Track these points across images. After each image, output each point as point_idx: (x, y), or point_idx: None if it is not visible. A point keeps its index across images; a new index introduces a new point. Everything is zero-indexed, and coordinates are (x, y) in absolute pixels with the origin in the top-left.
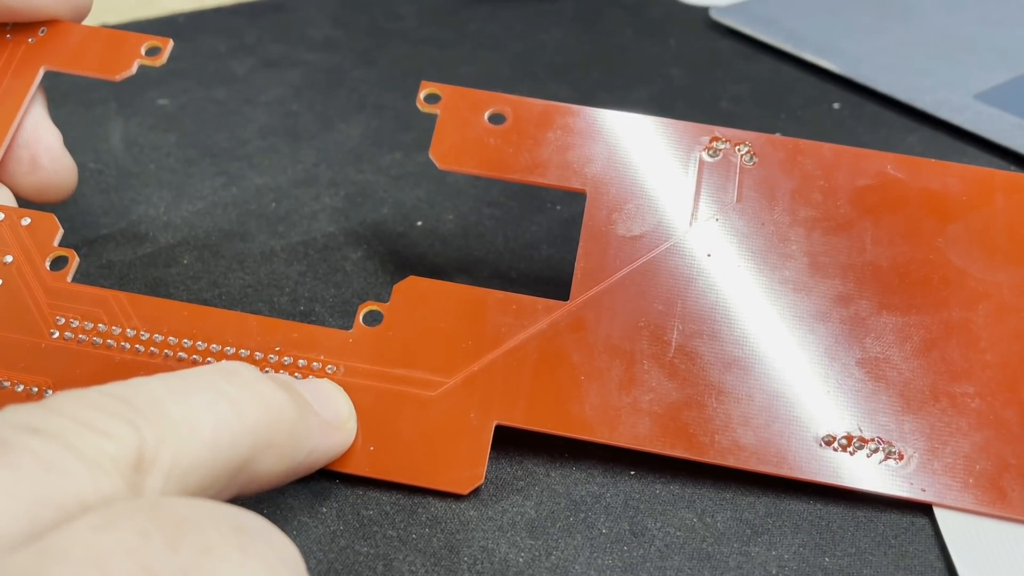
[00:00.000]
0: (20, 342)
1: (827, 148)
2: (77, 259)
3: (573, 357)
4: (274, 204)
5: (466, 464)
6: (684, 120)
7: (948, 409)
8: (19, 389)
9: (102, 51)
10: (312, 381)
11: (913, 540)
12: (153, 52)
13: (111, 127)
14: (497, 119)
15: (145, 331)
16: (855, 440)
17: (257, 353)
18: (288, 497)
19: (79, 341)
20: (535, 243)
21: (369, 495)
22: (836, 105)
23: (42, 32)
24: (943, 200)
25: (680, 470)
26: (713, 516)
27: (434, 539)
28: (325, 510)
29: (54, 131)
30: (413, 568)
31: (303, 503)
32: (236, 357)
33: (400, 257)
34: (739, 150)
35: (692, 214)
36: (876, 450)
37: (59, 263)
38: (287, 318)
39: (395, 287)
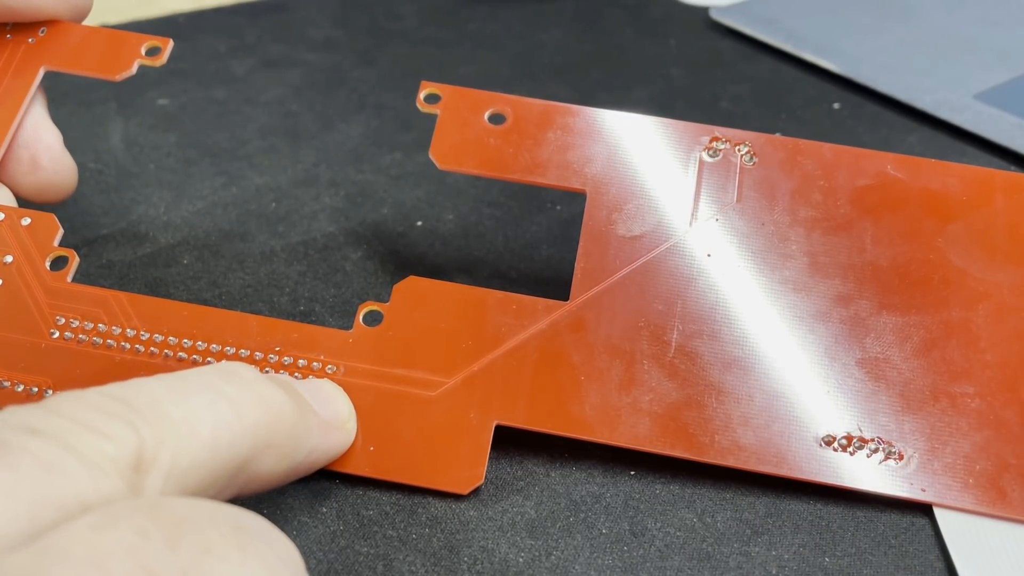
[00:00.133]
0: (20, 342)
1: (827, 148)
2: (77, 259)
3: (573, 357)
4: (274, 204)
5: (466, 464)
6: (684, 120)
7: (948, 409)
8: (19, 389)
9: (102, 51)
10: (312, 381)
11: (913, 540)
12: (153, 52)
13: (111, 127)
14: (497, 119)
15: (145, 331)
16: (855, 440)
17: (257, 353)
18: (288, 497)
19: (79, 341)
20: (535, 243)
21: (369, 495)
22: (836, 105)
23: (42, 32)
24: (943, 200)
25: (680, 470)
26: (713, 516)
27: (434, 539)
28: (325, 510)
29: (54, 131)
30: (413, 568)
31: (303, 503)
32: (236, 357)
33: (400, 257)
34: (739, 150)
35: (692, 214)
36: (876, 450)
37: (59, 263)
38: (287, 318)
39: (395, 287)
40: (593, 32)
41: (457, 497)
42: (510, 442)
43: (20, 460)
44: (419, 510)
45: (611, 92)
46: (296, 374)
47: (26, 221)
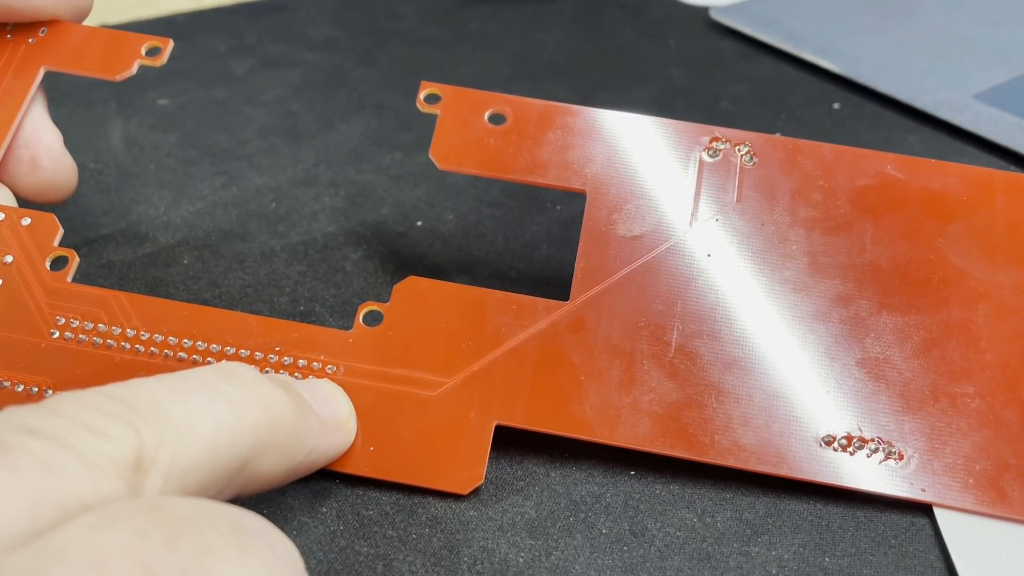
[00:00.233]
0: (20, 342)
1: (827, 148)
2: (77, 259)
3: (573, 357)
4: (274, 204)
5: (466, 464)
6: (684, 120)
7: (948, 409)
8: (19, 389)
9: (102, 51)
10: (312, 381)
11: (913, 540)
12: (153, 52)
13: (111, 127)
14: (497, 119)
15: (145, 331)
16: (855, 440)
17: (257, 353)
18: (288, 497)
19: (79, 341)
20: (535, 243)
21: (369, 495)
22: (836, 105)
23: (42, 32)
24: (943, 200)
25: (680, 470)
26: (713, 516)
27: (434, 539)
28: (325, 510)
29: (54, 131)
30: (413, 568)
31: (303, 503)
32: (236, 357)
33: (400, 257)
34: (739, 150)
35: (692, 214)
36: (876, 450)
37: (59, 263)
38: (287, 318)
39: (395, 287)
40: (593, 32)
41: (457, 497)
42: (510, 442)
43: (20, 460)
44: (419, 510)
45: (611, 92)
46: (296, 374)
47: (26, 221)
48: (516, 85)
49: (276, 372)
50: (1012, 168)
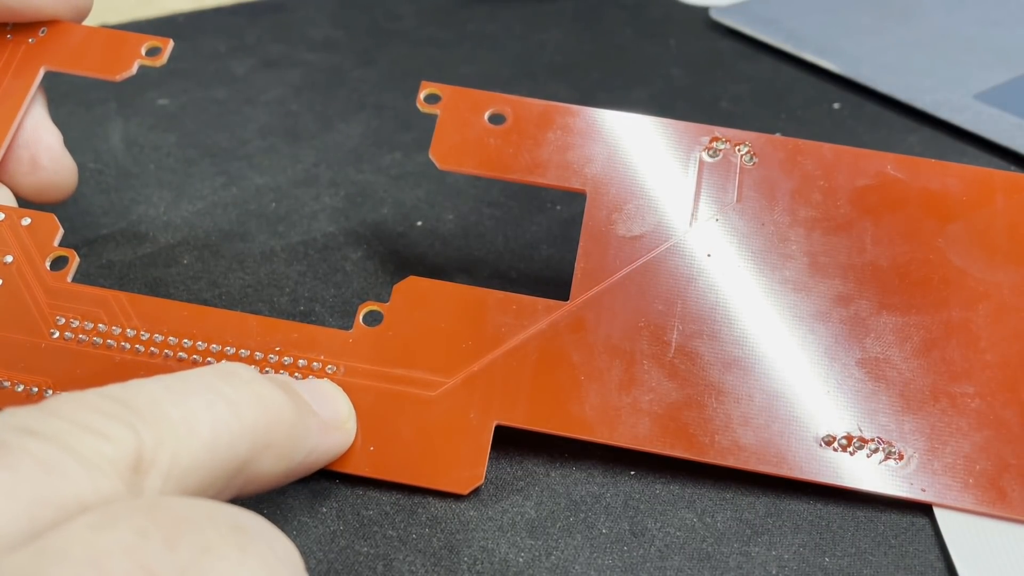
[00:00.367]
0: (20, 342)
1: (827, 148)
2: (77, 259)
3: (573, 357)
4: (274, 204)
5: (466, 464)
6: (684, 120)
7: (948, 409)
8: (19, 389)
9: (102, 51)
10: (311, 381)
11: (913, 540)
12: (153, 52)
13: (111, 127)
14: (497, 119)
15: (145, 331)
16: (855, 440)
17: (257, 353)
18: (288, 497)
19: (79, 341)
20: (535, 243)
21: (369, 495)
22: (836, 105)
23: (42, 32)
24: (943, 200)
25: (680, 470)
26: (713, 516)
27: (434, 539)
28: (325, 510)
29: (54, 131)
30: (413, 568)
31: (303, 503)
32: (236, 357)
33: (400, 257)
34: (739, 150)
35: (692, 214)
36: (876, 450)
37: (59, 263)
38: (287, 318)
39: (395, 287)
40: (593, 32)
41: (457, 497)
42: (510, 442)
43: (20, 461)
44: (419, 510)
45: (611, 92)
46: (296, 374)
47: (26, 221)
48: (516, 85)
49: (276, 372)
50: (1012, 168)
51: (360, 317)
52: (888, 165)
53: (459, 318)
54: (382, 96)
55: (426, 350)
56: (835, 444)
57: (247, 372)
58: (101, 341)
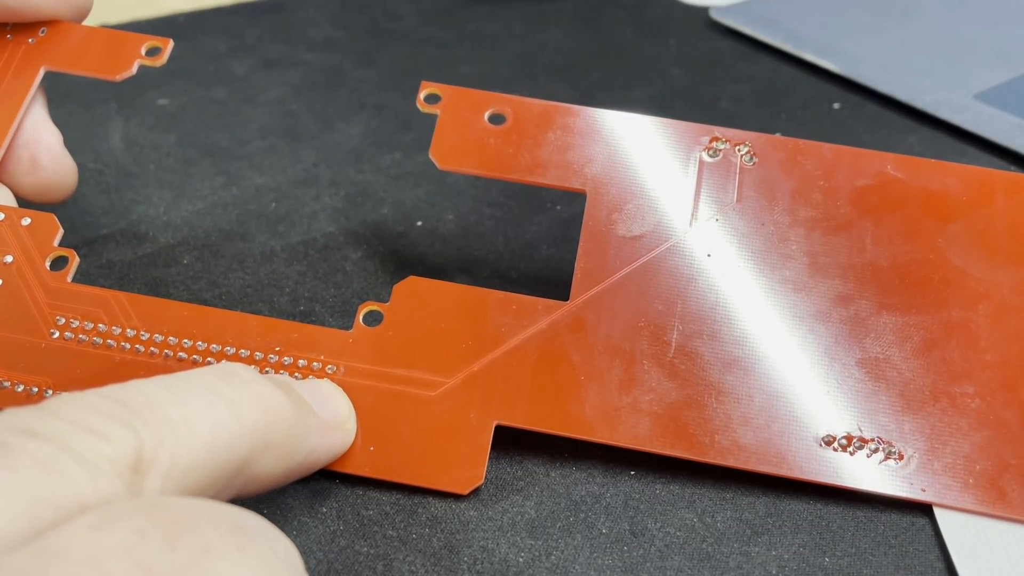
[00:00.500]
0: (20, 342)
1: (827, 148)
2: (77, 259)
3: (573, 357)
4: (274, 204)
5: (466, 464)
6: (684, 120)
7: (948, 409)
8: (19, 389)
9: (102, 51)
10: (311, 381)
11: (913, 540)
12: (153, 52)
13: (111, 127)
14: (497, 119)
15: (145, 331)
16: (855, 440)
17: (257, 353)
18: (288, 497)
19: (79, 341)
20: (535, 243)
21: (369, 495)
22: (836, 105)
23: (42, 32)
24: (943, 200)
25: (680, 470)
26: (713, 516)
27: (434, 539)
28: (325, 510)
29: (54, 131)
30: (413, 568)
31: (303, 503)
32: (236, 357)
33: (400, 257)
34: (739, 150)
35: (692, 214)
36: (876, 450)
37: (59, 263)
38: (287, 318)
39: (395, 287)
40: (593, 32)
41: (457, 497)
42: (510, 442)
43: (19, 461)
44: (419, 510)
45: (611, 92)
46: (296, 374)
47: (26, 221)
48: (516, 85)
49: (276, 372)
50: (1012, 168)
51: (360, 317)
52: (888, 165)
53: (459, 318)
54: (382, 96)
55: (426, 350)
56: (835, 444)
57: (247, 372)
58: (101, 341)
